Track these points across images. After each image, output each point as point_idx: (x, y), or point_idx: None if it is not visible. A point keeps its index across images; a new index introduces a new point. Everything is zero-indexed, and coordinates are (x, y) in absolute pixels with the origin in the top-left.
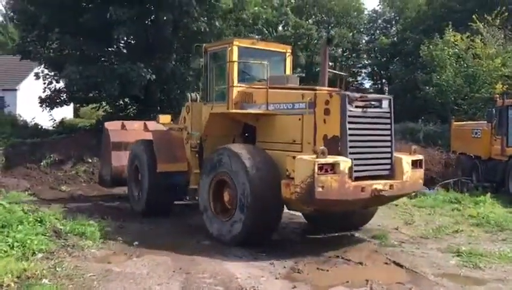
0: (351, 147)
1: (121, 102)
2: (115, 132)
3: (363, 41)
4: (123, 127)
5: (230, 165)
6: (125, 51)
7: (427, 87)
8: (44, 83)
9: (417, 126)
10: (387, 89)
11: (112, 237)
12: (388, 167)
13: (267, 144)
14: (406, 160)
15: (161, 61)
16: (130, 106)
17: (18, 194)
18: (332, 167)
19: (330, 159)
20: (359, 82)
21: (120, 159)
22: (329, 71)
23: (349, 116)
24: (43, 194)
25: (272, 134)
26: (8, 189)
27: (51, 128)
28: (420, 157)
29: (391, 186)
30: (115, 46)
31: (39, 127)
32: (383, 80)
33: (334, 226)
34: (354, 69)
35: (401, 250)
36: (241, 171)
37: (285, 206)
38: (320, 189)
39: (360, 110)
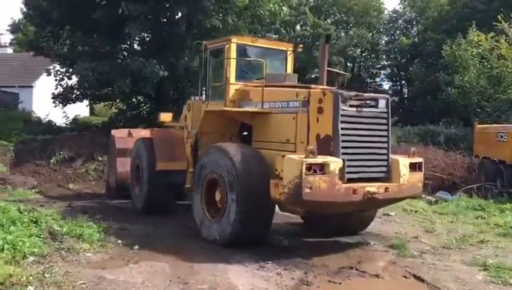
0: (343, 147)
1: (134, 100)
2: (121, 139)
3: (383, 41)
4: (130, 134)
5: (219, 163)
6: (138, 48)
7: (450, 89)
8: (56, 80)
9: (438, 129)
10: (406, 90)
11: (112, 240)
12: (384, 169)
13: (262, 143)
14: (404, 162)
15: (174, 58)
16: (143, 104)
17: (24, 192)
18: (322, 168)
19: (320, 159)
20: (378, 83)
21: (125, 165)
22: (329, 70)
23: (342, 116)
24: (50, 192)
25: (267, 133)
26: (15, 186)
27: (64, 125)
28: (419, 160)
29: (386, 189)
30: (127, 43)
31: (52, 124)
32: (403, 82)
33: (331, 229)
34: (372, 70)
35: (421, 262)
36: (229, 169)
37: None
38: (308, 190)
39: (354, 109)
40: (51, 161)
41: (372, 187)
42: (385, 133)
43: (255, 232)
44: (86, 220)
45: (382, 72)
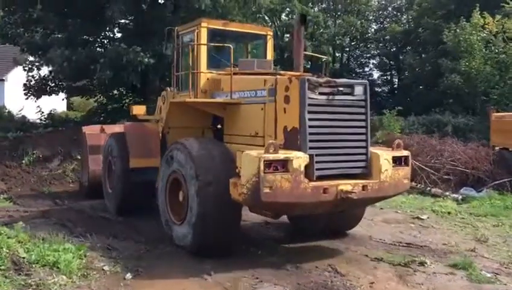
0: (311, 140)
1: (115, 92)
2: (93, 135)
3: (372, 30)
4: (102, 130)
5: (180, 160)
6: (118, 34)
7: (454, 75)
8: (25, 70)
9: (444, 118)
10: (397, 80)
11: (96, 267)
12: (362, 164)
13: (232, 137)
14: (385, 156)
15: (160, 45)
16: (125, 97)
17: None
18: (284, 164)
19: (281, 154)
20: (368, 73)
21: (98, 163)
22: (306, 54)
23: (310, 105)
24: (22, 198)
25: (237, 126)
26: None
27: (38, 121)
28: (405, 153)
29: (364, 187)
30: (107, 29)
31: (26, 120)
32: (393, 71)
33: (318, 229)
34: (362, 60)
35: (505, 289)
36: (189, 167)
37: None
38: (267, 190)
39: (325, 97)
40: (23, 161)
41: (346, 185)
42: (363, 123)
43: (219, 237)
44: (62, 239)
45: (371, 61)
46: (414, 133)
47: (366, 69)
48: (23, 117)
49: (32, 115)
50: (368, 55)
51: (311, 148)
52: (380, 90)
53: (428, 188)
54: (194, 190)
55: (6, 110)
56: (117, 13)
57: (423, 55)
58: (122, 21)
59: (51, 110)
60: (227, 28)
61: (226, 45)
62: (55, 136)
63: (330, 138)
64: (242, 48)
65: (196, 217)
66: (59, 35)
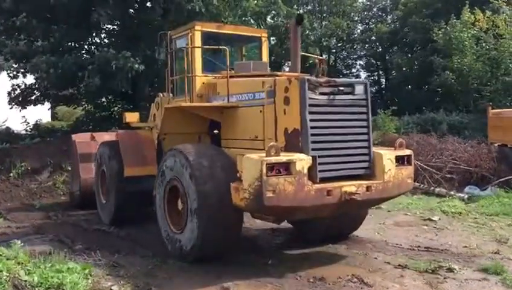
0: (313, 142)
1: (104, 99)
2: (83, 143)
3: (358, 30)
4: (92, 138)
5: (177, 167)
6: (106, 40)
7: (447, 73)
8: (10, 77)
9: (438, 116)
10: (384, 80)
11: (104, 287)
12: (365, 164)
13: (231, 141)
14: (388, 156)
15: (150, 50)
16: (113, 104)
17: None
18: (287, 167)
19: (284, 157)
20: (355, 74)
21: (89, 172)
22: (304, 55)
23: (311, 105)
24: (12, 214)
25: (235, 130)
26: None
27: (23, 132)
28: (408, 152)
29: (368, 188)
30: (93, 34)
31: (11, 131)
32: (380, 71)
33: (321, 233)
34: (348, 61)
35: None
36: (187, 173)
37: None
38: (270, 194)
39: (325, 97)
40: (11, 174)
41: (350, 187)
42: (365, 123)
43: (220, 244)
44: (64, 258)
45: (358, 62)
46: (409, 132)
47: (353, 70)
48: (8, 128)
49: (17, 126)
50: (355, 56)
51: (313, 149)
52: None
53: (432, 188)
54: (193, 198)
55: None
56: (104, 17)
57: (410, 55)
58: (109, 26)
59: (37, 121)
60: (222, 31)
61: (221, 47)
62: (43, 147)
63: (332, 139)
64: (237, 51)
65: (196, 225)
66: (44, 42)
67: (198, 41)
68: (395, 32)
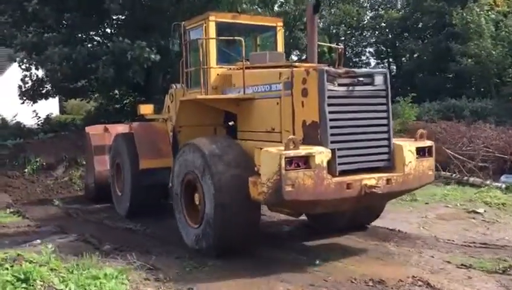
0: (332, 134)
1: (116, 92)
2: (97, 135)
3: (368, 17)
4: (106, 130)
5: (193, 161)
6: (116, 30)
7: (465, 59)
8: (22, 69)
9: (460, 103)
10: (395, 68)
11: None
12: (385, 157)
13: (247, 133)
14: (409, 148)
15: (164, 40)
16: (126, 96)
17: None
18: (306, 161)
19: (302, 150)
20: (364, 62)
21: (104, 164)
22: (320, 44)
23: (330, 97)
24: (31, 212)
25: (251, 122)
26: None
27: (35, 126)
28: (429, 143)
29: (388, 180)
30: (104, 24)
31: (22, 125)
32: (390, 59)
33: (339, 224)
34: (357, 49)
35: None
36: (204, 168)
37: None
38: (289, 188)
39: (345, 88)
40: (26, 170)
41: (370, 180)
42: (385, 114)
43: (239, 238)
44: (97, 261)
45: (368, 49)
46: (431, 120)
47: (363, 57)
48: (18, 123)
49: (27, 120)
50: (364, 43)
51: (332, 142)
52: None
53: (466, 178)
54: (211, 192)
55: (0, 117)
56: (116, 5)
57: (422, 41)
58: (120, 16)
59: (48, 115)
60: (236, 21)
61: (236, 38)
62: (57, 141)
63: (352, 131)
64: (251, 41)
65: (214, 219)
66: (54, 34)
67: (212, 32)
68: (406, 18)
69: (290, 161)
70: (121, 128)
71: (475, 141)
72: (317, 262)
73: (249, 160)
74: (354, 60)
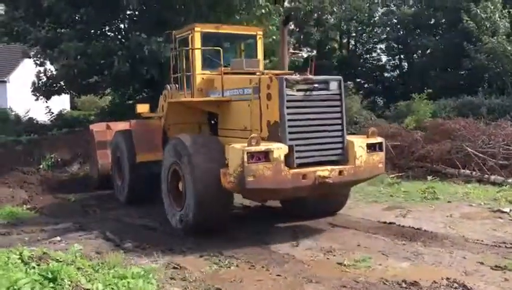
0: (290, 132)
1: (129, 88)
2: (100, 132)
3: (379, 13)
4: (108, 127)
5: (177, 154)
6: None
7: (479, 55)
8: (37, 63)
9: (477, 100)
10: (406, 64)
11: None
12: (339, 151)
13: (226, 131)
14: (359, 143)
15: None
16: (138, 92)
17: (14, 210)
18: (266, 155)
19: (262, 146)
20: (375, 58)
21: (106, 157)
22: (294, 53)
23: (288, 101)
24: (47, 208)
25: (229, 121)
26: (1, 202)
27: (48, 122)
28: (379, 140)
29: (340, 172)
30: (120, 17)
31: (35, 121)
32: (401, 55)
33: (308, 211)
34: (368, 45)
35: None
36: (185, 159)
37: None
38: (251, 178)
39: (302, 93)
40: (41, 166)
41: (324, 171)
42: (338, 115)
43: (212, 219)
44: (122, 260)
45: (379, 46)
46: (446, 117)
47: (374, 54)
48: (31, 119)
49: (40, 116)
50: (375, 39)
51: (290, 139)
52: (389, 75)
53: (486, 176)
54: (190, 181)
55: (13, 113)
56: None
57: (435, 38)
58: (133, 12)
59: (61, 110)
60: (219, 31)
61: (215, 48)
62: (72, 138)
63: (308, 130)
64: (235, 48)
65: (192, 203)
66: (68, 29)
67: (198, 41)
68: (419, 14)
69: (251, 155)
70: (122, 125)
71: (495, 138)
72: (346, 262)
73: (223, 154)
74: (364, 56)
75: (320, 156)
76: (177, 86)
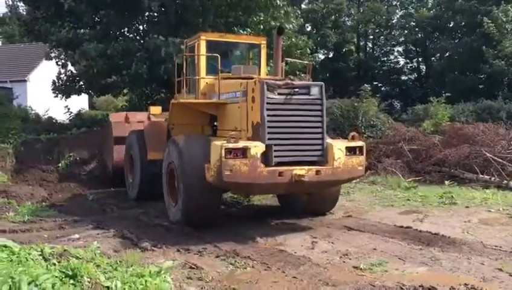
0: (269, 133)
1: (147, 88)
2: (118, 126)
3: (397, 16)
4: (127, 119)
5: (173, 154)
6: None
7: (497, 60)
8: (58, 64)
9: (497, 104)
10: (424, 67)
11: None
12: (319, 153)
13: (223, 131)
14: (339, 146)
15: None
16: (155, 93)
17: (34, 208)
18: (244, 152)
19: (240, 144)
20: (393, 61)
21: (121, 153)
22: (290, 61)
23: (268, 104)
24: (66, 206)
25: (225, 122)
26: (20, 200)
27: (67, 121)
28: (359, 143)
29: (318, 172)
30: (139, 19)
31: (54, 120)
32: (419, 58)
33: (300, 209)
34: (385, 48)
35: None
36: (177, 158)
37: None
38: (228, 172)
39: (283, 97)
40: (60, 164)
41: (301, 170)
42: (319, 118)
43: (201, 212)
44: (139, 258)
45: (396, 48)
46: (465, 121)
47: (391, 57)
48: (50, 118)
49: (59, 115)
50: (393, 42)
51: (269, 139)
52: (406, 78)
53: (505, 181)
54: (181, 178)
55: (33, 111)
56: (153, 1)
57: (454, 41)
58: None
59: (80, 110)
60: (223, 40)
61: (214, 54)
62: (90, 137)
63: (287, 131)
64: (244, 55)
65: (184, 199)
66: (88, 30)
67: (203, 49)
68: (438, 17)
69: (229, 151)
70: (140, 116)
71: None
72: (362, 266)
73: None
74: (382, 59)
75: (299, 156)
76: (186, 89)
